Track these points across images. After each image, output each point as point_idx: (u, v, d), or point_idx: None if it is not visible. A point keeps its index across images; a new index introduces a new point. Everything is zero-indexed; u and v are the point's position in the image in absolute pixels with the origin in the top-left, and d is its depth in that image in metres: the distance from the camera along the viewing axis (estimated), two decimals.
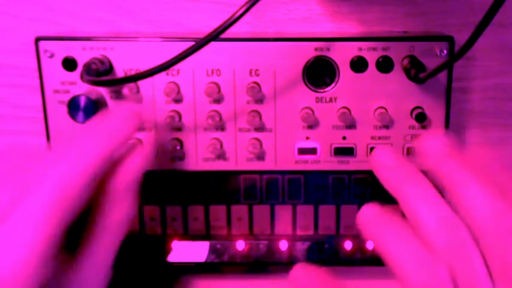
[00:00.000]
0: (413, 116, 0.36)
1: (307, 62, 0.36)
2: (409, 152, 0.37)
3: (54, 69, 0.36)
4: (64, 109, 0.36)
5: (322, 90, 0.37)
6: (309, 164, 0.38)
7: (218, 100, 0.37)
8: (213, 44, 0.31)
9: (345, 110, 0.36)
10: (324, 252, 0.39)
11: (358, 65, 0.36)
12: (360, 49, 0.36)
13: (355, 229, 0.38)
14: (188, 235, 0.39)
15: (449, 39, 0.35)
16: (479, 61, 0.39)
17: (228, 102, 0.37)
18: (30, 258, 0.26)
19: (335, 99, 0.37)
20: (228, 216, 0.39)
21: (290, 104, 0.37)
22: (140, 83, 0.36)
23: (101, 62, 0.35)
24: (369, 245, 0.39)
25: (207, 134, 0.37)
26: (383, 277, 0.39)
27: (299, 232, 0.39)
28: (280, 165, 0.38)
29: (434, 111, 0.36)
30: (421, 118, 0.36)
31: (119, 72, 0.36)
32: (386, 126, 0.37)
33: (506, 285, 0.28)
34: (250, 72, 0.36)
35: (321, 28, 0.39)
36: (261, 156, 0.38)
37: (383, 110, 0.36)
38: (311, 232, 0.39)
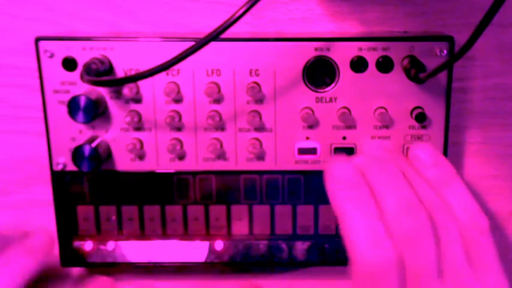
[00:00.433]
0: (413, 116, 0.36)
1: (307, 62, 0.36)
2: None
3: (54, 69, 0.36)
4: (64, 109, 0.36)
5: (322, 90, 0.37)
6: (309, 164, 0.38)
7: (218, 100, 0.37)
8: (213, 44, 0.31)
9: (345, 110, 0.36)
10: (324, 252, 0.39)
11: (358, 65, 0.36)
12: (360, 49, 0.36)
13: None
14: (188, 235, 0.39)
15: (449, 39, 0.35)
16: (479, 61, 0.39)
17: (228, 102, 0.37)
18: None
19: (335, 99, 0.37)
20: (228, 216, 0.39)
21: (290, 104, 0.37)
22: (140, 83, 0.36)
23: (101, 62, 0.35)
24: None
25: (207, 134, 0.37)
26: None
27: (299, 232, 0.39)
28: (280, 165, 0.38)
29: (434, 111, 0.36)
30: (421, 118, 0.36)
31: (119, 72, 0.36)
32: (387, 126, 0.37)
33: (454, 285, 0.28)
34: (250, 72, 0.36)
35: (321, 28, 0.38)
36: (261, 156, 0.38)
37: (383, 110, 0.36)
38: (311, 232, 0.39)
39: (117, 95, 0.37)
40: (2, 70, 0.39)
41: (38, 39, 0.36)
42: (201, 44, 0.31)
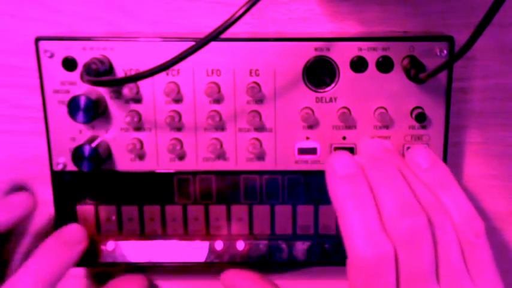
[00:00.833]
0: (413, 116, 0.36)
1: (307, 62, 0.36)
2: None
3: (54, 69, 0.36)
4: (64, 109, 0.36)
5: (322, 90, 0.37)
6: (309, 164, 0.38)
7: (218, 100, 0.37)
8: (213, 44, 0.31)
9: (345, 110, 0.36)
10: (324, 252, 0.39)
11: (358, 65, 0.36)
12: (360, 49, 0.36)
13: None
14: (188, 235, 0.39)
15: (449, 39, 0.35)
16: (479, 61, 0.39)
17: (228, 102, 0.37)
18: None
19: (335, 99, 0.37)
20: (228, 216, 0.39)
21: (290, 104, 0.37)
22: (140, 83, 0.36)
23: (101, 62, 0.35)
24: None
25: (207, 134, 0.37)
26: None
27: (299, 232, 0.39)
28: (280, 165, 0.38)
29: (434, 111, 0.36)
30: (421, 118, 0.36)
31: (119, 72, 0.36)
32: (387, 126, 0.37)
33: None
34: (250, 72, 0.36)
35: (321, 28, 0.38)
36: (261, 156, 0.38)
37: (383, 110, 0.36)
38: (311, 232, 0.39)
39: (117, 95, 0.37)
40: (2, 70, 0.39)
41: (38, 39, 0.36)
42: (201, 44, 0.31)
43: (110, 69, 0.36)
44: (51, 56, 0.36)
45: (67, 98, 0.36)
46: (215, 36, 0.30)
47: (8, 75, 0.40)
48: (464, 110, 0.40)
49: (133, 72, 0.36)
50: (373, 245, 0.28)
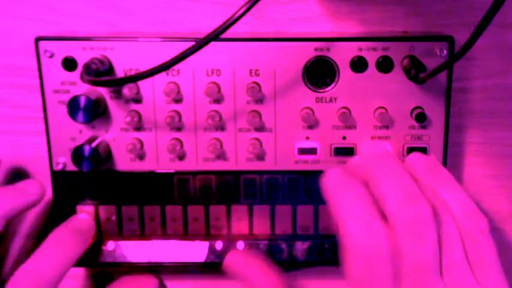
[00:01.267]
0: (413, 116, 0.36)
1: (307, 62, 0.36)
2: (409, 152, 0.37)
3: (54, 69, 0.36)
4: (64, 109, 0.36)
5: (322, 90, 0.37)
6: (309, 164, 0.38)
7: (218, 100, 0.37)
8: (213, 44, 0.31)
9: (345, 110, 0.36)
10: (324, 252, 0.39)
11: (358, 65, 0.36)
12: (360, 49, 0.36)
13: None
14: (188, 235, 0.39)
15: (449, 39, 0.35)
16: (479, 61, 0.39)
17: (228, 102, 0.37)
18: None
19: (335, 99, 0.37)
20: (228, 216, 0.39)
21: (290, 104, 0.37)
22: (140, 83, 0.36)
23: (101, 62, 0.35)
24: None
25: (207, 134, 0.37)
26: None
27: (299, 232, 0.39)
28: (280, 165, 0.38)
29: (434, 111, 0.36)
30: (421, 118, 0.36)
31: (119, 72, 0.36)
32: (387, 126, 0.37)
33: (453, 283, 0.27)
34: (250, 72, 0.36)
35: (321, 28, 0.38)
36: (261, 156, 0.38)
37: (383, 110, 0.36)
38: (311, 232, 0.39)
39: (117, 95, 0.37)
40: (2, 70, 0.39)
41: (38, 39, 0.36)
42: (201, 44, 0.31)
43: (110, 69, 0.36)
44: (51, 56, 0.36)
45: (67, 98, 0.36)
46: (215, 36, 0.30)
47: (8, 75, 0.40)
48: (464, 110, 0.40)
49: (133, 72, 0.36)
50: (370, 233, 0.28)
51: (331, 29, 0.39)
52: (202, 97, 0.37)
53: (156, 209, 0.39)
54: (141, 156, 0.38)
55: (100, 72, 0.35)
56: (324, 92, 0.37)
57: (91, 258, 0.39)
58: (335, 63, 0.36)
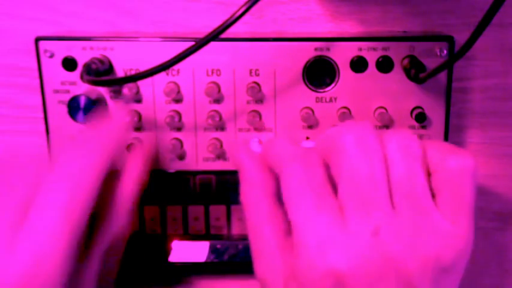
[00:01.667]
0: (413, 116, 0.36)
1: (307, 62, 0.36)
2: None
3: (54, 69, 0.36)
4: (64, 109, 0.36)
5: (322, 90, 0.37)
6: None
7: (218, 100, 0.37)
8: (213, 44, 0.31)
9: (345, 110, 0.36)
10: None
11: (358, 65, 0.36)
12: (360, 49, 0.36)
13: None
14: (188, 235, 0.39)
15: (449, 39, 0.35)
16: (479, 61, 0.39)
17: (228, 102, 0.37)
18: (55, 252, 0.27)
19: (335, 99, 0.37)
20: (228, 216, 0.39)
21: (290, 104, 0.37)
22: (140, 83, 0.36)
23: (101, 62, 0.35)
24: None
25: (207, 134, 0.37)
26: None
27: None
28: None
29: (434, 111, 0.36)
30: (421, 118, 0.36)
31: (119, 72, 0.36)
32: (387, 126, 0.37)
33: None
34: (250, 72, 0.36)
35: (321, 28, 0.38)
36: None
37: (383, 110, 0.36)
38: None
39: (117, 95, 0.37)
40: (2, 70, 0.39)
41: (38, 39, 0.36)
42: (201, 44, 0.31)
43: (110, 69, 0.36)
44: (51, 56, 0.36)
45: (67, 98, 0.36)
46: (215, 36, 0.30)
47: (8, 75, 0.40)
48: (464, 110, 0.40)
49: (133, 72, 0.36)
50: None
51: (331, 29, 0.39)
52: (202, 97, 0.37)
53: (156, 209, 0.39)
54: None
55: (100, 72, 0.35)
56: (324, 92, 0.37)
57: None
58: (335, 63, 0.36)
